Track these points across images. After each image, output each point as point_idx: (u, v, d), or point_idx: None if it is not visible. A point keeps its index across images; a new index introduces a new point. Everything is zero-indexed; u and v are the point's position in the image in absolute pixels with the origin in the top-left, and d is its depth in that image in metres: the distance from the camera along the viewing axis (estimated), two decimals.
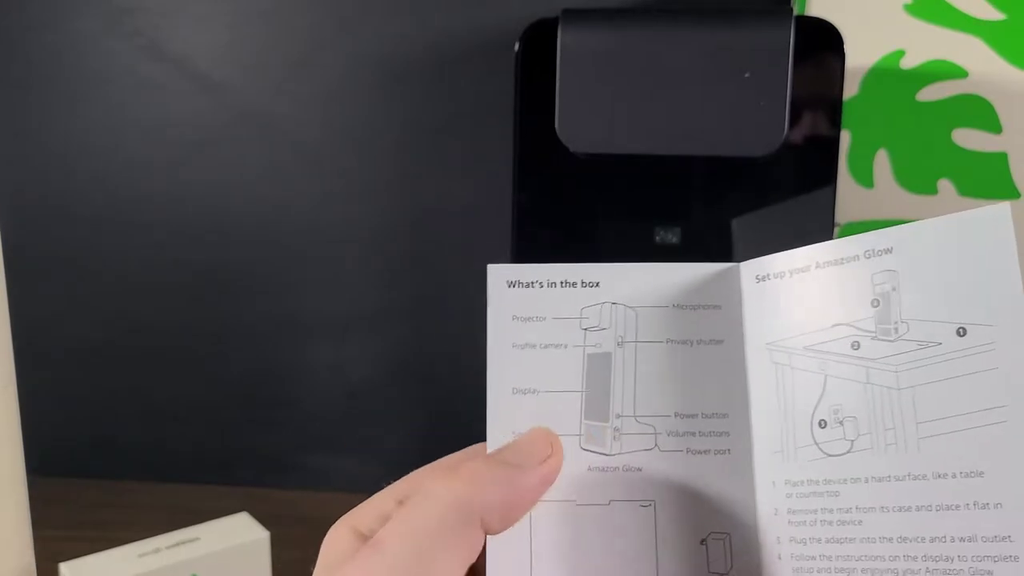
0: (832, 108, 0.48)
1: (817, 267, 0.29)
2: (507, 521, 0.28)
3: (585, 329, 0.31)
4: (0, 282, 0.40)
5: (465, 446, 0.33)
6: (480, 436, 0.31)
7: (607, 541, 0.29)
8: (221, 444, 0.71)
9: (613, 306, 0.31)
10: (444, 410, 0.69)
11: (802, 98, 0.46)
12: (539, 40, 0.46)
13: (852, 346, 0.28)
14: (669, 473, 0.30)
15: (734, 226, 0.47)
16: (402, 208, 0.66)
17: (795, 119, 0.46)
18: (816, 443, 0.28)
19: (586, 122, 0.46)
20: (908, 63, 0.54)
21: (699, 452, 0.30)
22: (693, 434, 0.30)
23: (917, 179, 0.56)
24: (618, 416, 0.30)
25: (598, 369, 0.30)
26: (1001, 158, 0.55)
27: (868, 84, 0.55)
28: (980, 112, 0.54)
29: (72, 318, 0.70)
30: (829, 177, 0.46)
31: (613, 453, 0.30)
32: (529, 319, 0.31)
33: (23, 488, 0.42)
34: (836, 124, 0.48)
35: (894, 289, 0.28)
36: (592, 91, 0.46)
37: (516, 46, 0.47)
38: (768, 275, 0.30)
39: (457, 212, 0.66)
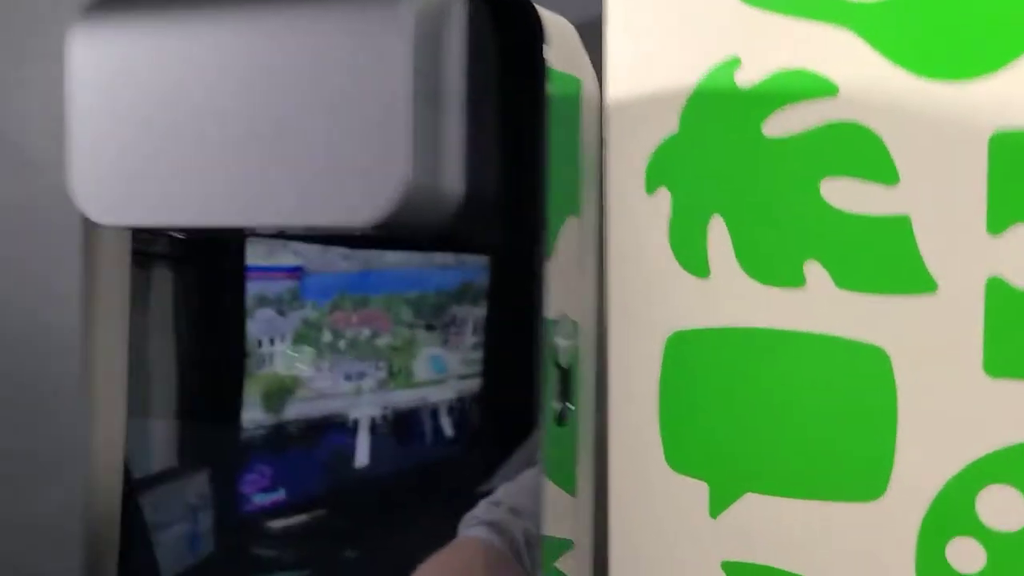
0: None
1: None
2: None
3: None
4: None
5: None
6: None
7: None
8: None
9: None
10: None
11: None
12: None
13: None
14: None
15: None
16: None
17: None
18: None
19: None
20: (746, 77, 0.34)
21: None
22: None
23: (772, 263, 0.34)
24: None
25: None
26: (900, 224, 0.32)
27: (688, 117, 0.35)
28: (862, 149, 0.32)
29: None
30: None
31: None
32: None
33: None
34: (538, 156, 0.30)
35: None
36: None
37: None
38: None
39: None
